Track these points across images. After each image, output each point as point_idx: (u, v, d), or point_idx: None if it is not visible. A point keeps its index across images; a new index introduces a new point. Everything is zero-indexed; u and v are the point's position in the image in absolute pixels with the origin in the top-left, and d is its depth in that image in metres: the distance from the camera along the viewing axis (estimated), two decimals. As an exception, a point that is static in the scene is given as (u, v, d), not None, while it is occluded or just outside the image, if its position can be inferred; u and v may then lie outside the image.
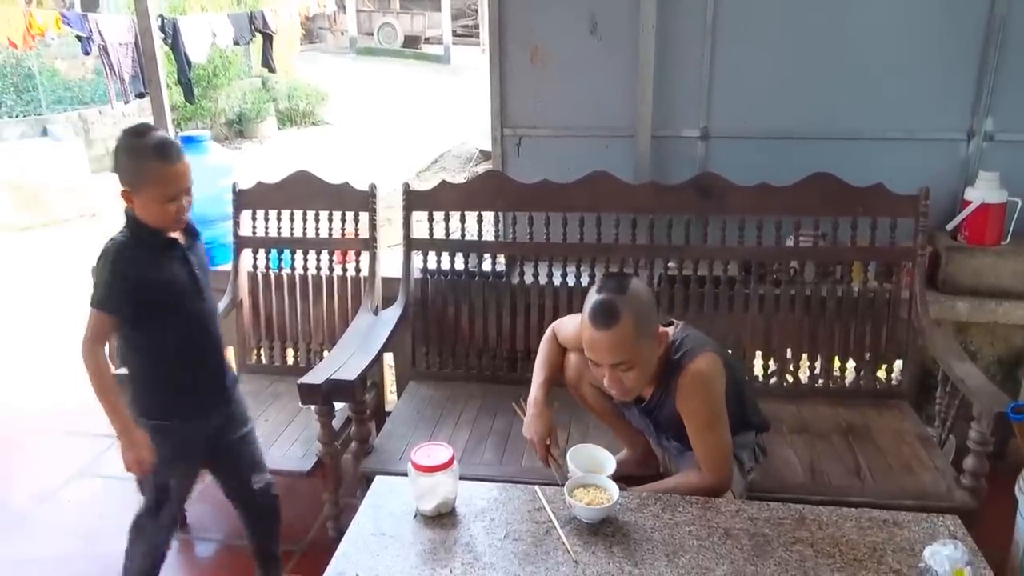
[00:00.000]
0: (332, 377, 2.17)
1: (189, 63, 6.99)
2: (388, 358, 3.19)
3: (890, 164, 2.79)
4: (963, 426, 2.27)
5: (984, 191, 2.66)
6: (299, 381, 2.17)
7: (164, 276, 1.78)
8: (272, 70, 10.62)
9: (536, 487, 1.70)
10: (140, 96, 6.27)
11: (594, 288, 1.73)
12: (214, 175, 3.05)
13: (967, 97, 2.77)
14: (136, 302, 1.73)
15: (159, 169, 1.72)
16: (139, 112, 8.49)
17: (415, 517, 1.61)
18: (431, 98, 12.26)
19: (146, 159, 1.71)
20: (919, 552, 1.45)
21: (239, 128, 10.54)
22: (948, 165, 2.84)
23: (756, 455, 1.99)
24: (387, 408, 3.02)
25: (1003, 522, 2.14)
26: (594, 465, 1.80)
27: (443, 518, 1.60)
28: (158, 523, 1.93)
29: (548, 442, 1.95)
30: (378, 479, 1.77)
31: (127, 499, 2.72)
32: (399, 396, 2.90)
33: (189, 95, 7.85)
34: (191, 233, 1.91)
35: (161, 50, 3.95)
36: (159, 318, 1.77)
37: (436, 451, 1.63)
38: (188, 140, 3.07)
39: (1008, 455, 2.66)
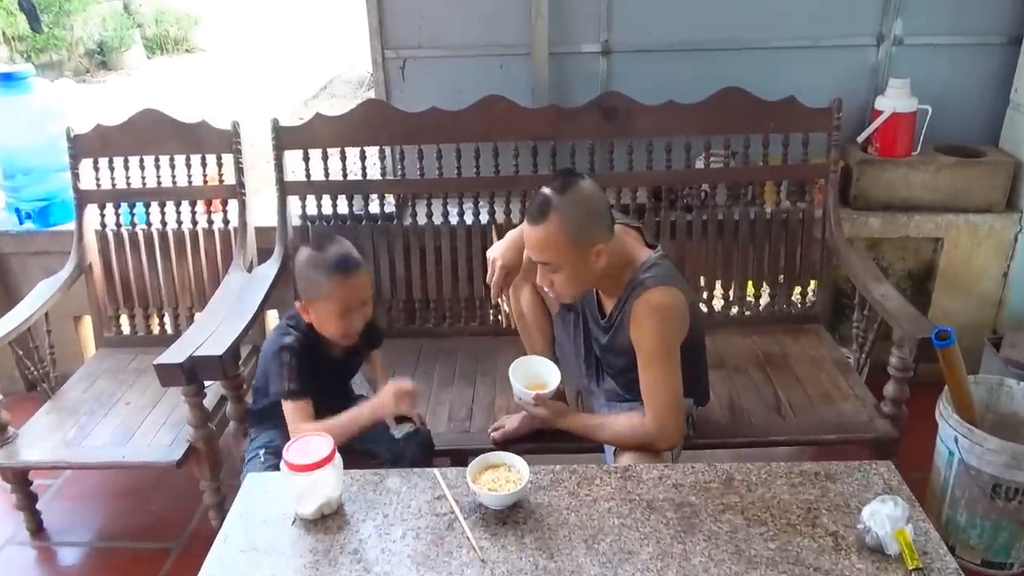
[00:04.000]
0: (196, 354, 1.87)
1: (30, -15, 6.16)
2: (274, 316, 2.88)
3: (798, 74, 2.64)
4: (877, 345, 2.20)
5: (895, 99, 2.53)
6: (155, 361, 1.86)
7: (319, 382, 1.78)
8: (132, -9, 9.63)
9: (435, 471, 1.48)
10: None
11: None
12: (43, 118, 2.58)
13: (876, -2, 2.61)
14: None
15: (335, 284, 1.70)
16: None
17: (293, 523, 1.37)
18: (316, 16, 11.37)
19: (324, 275, 1.70)
20: (855, 508, 1.33)
21: (102, 59, 9.48)
22: (857, 73, 2.70)
23: (689, 426, 1.84)
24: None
25: (919, 443, 2.09)
26: (535, 379, 1.74)
27: (327, 520, 1.37)
28: None
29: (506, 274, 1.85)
30: (249, 477, 1.52)
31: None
32: (288, 358, 2.61)
33: (34, 22, 6.89)
34: (372, 338, 1.95)
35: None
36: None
37: (314, 443, 1.39)
38: (7, 77, 2.55)
39: (919, 371, 2.65)
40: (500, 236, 2.42)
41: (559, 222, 1.56)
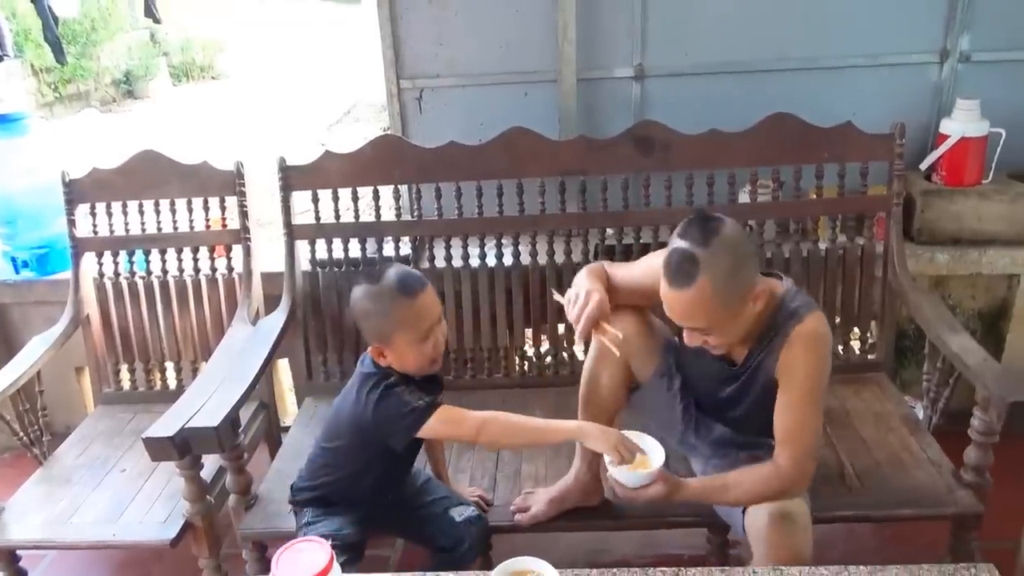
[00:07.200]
0: (189, 425, 1.68)
1: (55, 18, 6.12)
2: (285, 364, 2.71)
3: (851, 96, 2.43)
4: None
5: (963, 122, 2.28)
6: (144, 435, 1.68)
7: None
8: (157, 20, 9.57)
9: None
10: (-6, 59, 5.45)
11: (677, 231, 1.44)
12: (40, 161, 2.43)
13: (939, 10, 2.37)
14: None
15: (405, 310, 1.52)
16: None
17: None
18: (339, 39, 11.31)
19: (390, 306, 1.52)
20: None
21: (128, 88, 9.50)
22: (918, 93, 2.47)
23: None
24: (286, 422, 2.55)
25: (1002, 503, 1.80)
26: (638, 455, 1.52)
27: (324, 646, 1.16)
28: None
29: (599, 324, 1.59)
30: (238, 584, 1.31)
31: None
32: (299, 414, 2.42)
33: (59, 54, 6.88)
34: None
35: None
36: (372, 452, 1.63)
37: (307, 552, 1.18)
38: (2, 119, 2.43)
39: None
40: (525, 279, 2.24)
41: (709, 285, 1.37)
